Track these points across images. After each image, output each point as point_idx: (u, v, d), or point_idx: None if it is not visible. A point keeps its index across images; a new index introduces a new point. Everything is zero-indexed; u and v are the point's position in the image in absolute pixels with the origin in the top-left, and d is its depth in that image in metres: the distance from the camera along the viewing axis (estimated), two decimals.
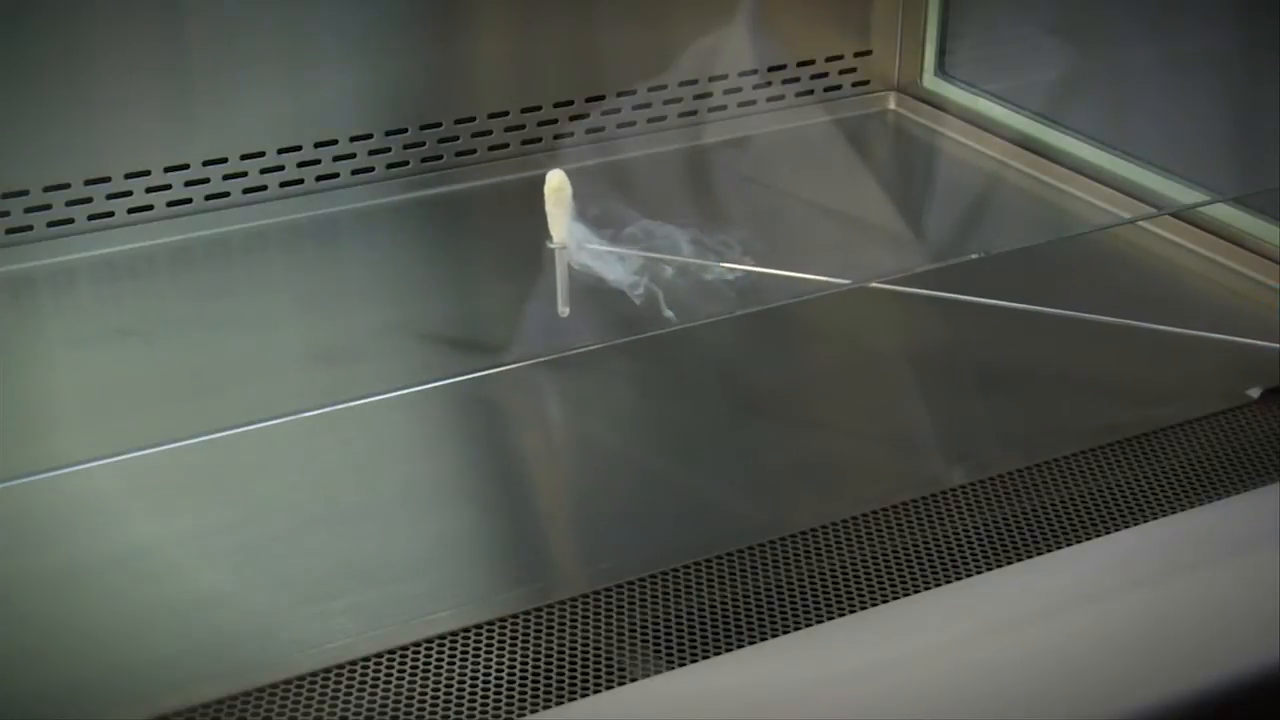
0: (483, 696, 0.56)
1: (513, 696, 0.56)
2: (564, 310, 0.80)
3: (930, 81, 1.09)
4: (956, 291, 0.79)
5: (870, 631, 0.58)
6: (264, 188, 0.94)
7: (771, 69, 1.06)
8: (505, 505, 0.69)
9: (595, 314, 0.82)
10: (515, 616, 0.59)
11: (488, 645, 0.58)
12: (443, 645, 0.58)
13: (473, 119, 0.99)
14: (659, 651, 0.58)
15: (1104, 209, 0.94)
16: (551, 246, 0.78)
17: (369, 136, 0.96)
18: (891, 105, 1.10)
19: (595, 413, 0.76)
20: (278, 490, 0.69)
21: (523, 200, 0.96)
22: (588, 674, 0.57)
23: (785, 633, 0.58)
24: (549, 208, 0.78)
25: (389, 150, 0.97)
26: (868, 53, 1.09)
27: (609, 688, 0.56)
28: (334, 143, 0.95)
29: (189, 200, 0.93)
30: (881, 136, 1.08)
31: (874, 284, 0.80)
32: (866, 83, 1.10)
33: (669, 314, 0.79)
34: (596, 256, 0.79)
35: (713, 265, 0.82)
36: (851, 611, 0.60)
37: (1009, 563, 0.62)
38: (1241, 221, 0.87)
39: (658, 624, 0.59)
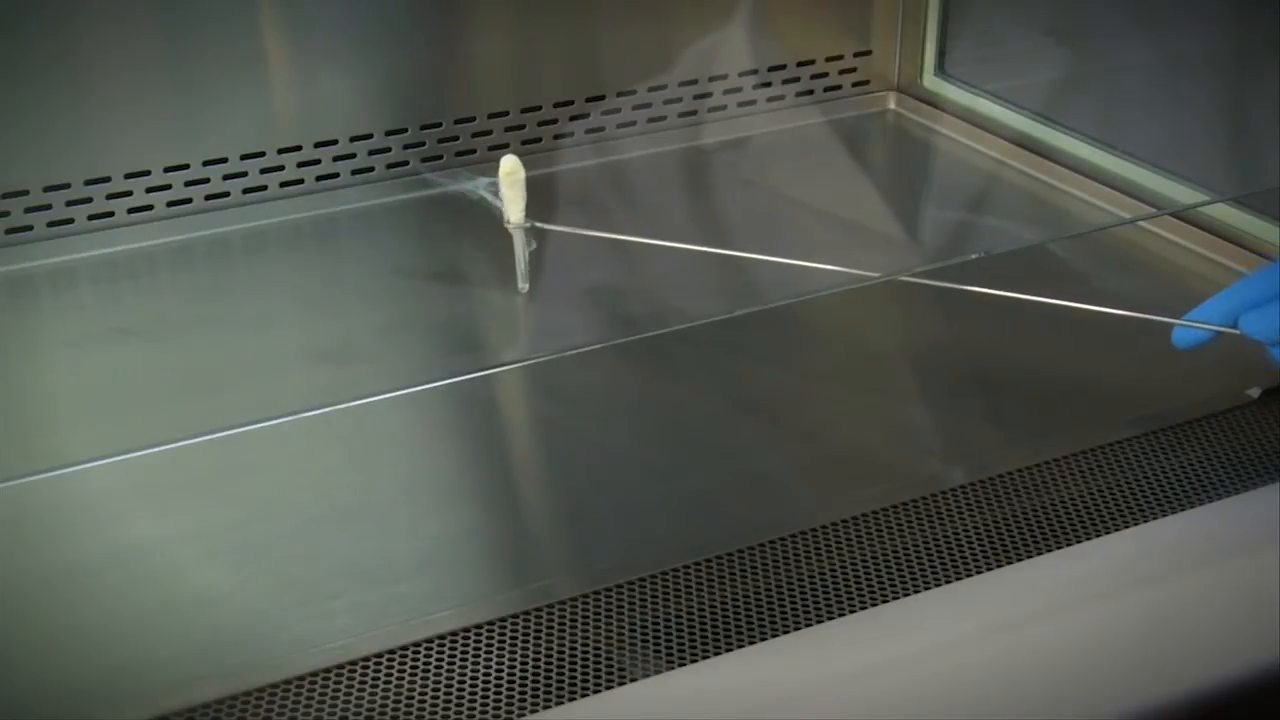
0: (483, 696, 0.56)
1: (513, 696, 0.56)
2: (523, 286, 0.83)
3: (930, 81, 1.09)
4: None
5: (870, 631, 0.58)
6: (264, 188, 0.94)
7: (771, 69, 1.06)
8: (505, 505, 0.69)
9: (593, 313, 0.82)
10: (515, 616, 0.59)
11: (488, 645, 0.58)
12: (443, 645, 0.58)
13: (473, 119, 0.99)
14: (659, 651, 0.58)
15: (1103, 209, 0.94)
16: (509, 227, 0.81)
17: (369, 136, 0.96)
18: (891, 105, 1.10)
19: (594, 412, 0.76)
20: (278, 490, 0.68)
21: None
22: (588, 674, 0.57)
23: (785, 633, 0.58)
24: (504, 190, 0.81)
25: (389, 150, 0.97)
26: (868, 53, 1.09)
27: (609, 688, 0.56)
28: (334, 143, 0.95)
29: (189, 200, 0.93)
30: (881, 136, 1.08)
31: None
32: (866, 83, 1.10)
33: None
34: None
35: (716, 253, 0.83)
36: (851, 611, 0.60)
37: (1009, 563, 0.62)
38: (1241, 221, 0.87)
39: (658, 624, 0.59)
